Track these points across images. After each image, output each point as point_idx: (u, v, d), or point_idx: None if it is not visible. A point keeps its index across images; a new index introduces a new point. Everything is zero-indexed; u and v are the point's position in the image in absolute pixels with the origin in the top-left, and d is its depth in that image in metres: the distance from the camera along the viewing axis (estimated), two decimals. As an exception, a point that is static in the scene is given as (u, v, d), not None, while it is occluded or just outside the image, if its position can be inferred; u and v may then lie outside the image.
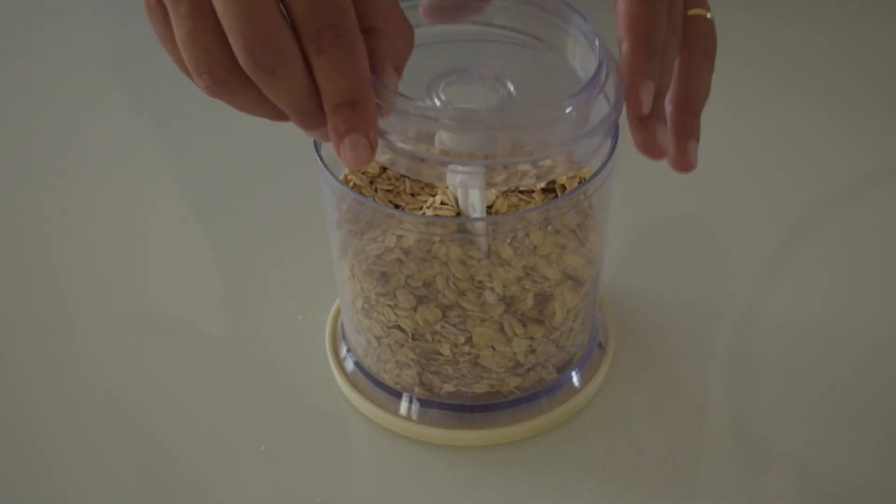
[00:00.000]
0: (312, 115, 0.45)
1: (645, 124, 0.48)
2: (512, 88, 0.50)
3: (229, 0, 0.43)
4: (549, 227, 0.50)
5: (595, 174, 0.49)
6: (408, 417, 0.54)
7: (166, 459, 0.54)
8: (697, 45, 0.49)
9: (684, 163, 0.49)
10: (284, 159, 0.69)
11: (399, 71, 0.47)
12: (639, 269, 0.62)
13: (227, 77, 0.44)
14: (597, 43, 0.49)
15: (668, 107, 0.49)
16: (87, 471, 0.53)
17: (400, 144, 0.46)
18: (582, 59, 0.51)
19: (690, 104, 0.50)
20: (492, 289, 0.50)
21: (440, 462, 0.53)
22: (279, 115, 0.46)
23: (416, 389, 0.54)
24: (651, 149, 0.48)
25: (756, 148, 0.70)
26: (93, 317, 0.61)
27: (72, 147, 0.72)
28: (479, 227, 0.49)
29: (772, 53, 0.77)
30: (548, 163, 0.48)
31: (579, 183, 0.53)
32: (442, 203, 0.50)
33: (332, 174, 0.50)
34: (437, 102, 0.49)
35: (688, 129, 0.49)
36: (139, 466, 0.54)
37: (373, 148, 0.44)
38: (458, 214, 0.51)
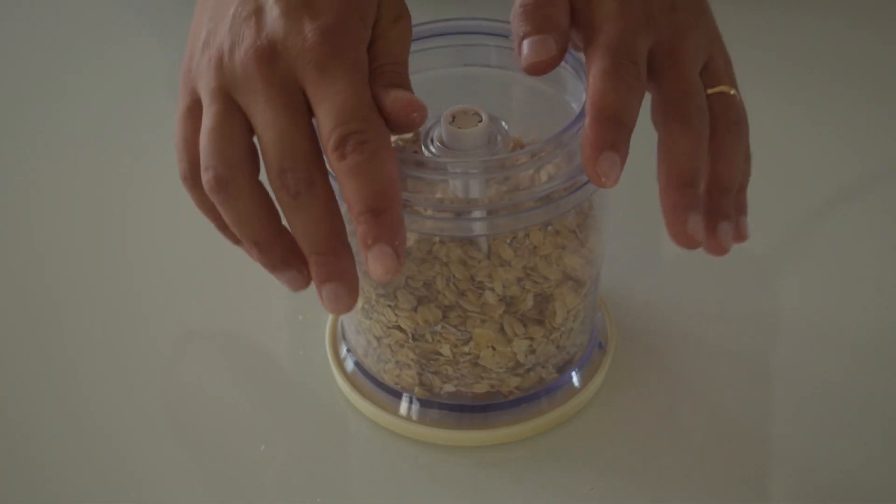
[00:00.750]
0: (325, 249, 0.45)
1: (676, 213, 0.46)
2: (506, 126, 0.51)
3: (270, 124, 0.44)
4: (549, 228, 0.50)
5: (595, 175, 0.49)
6: (408, 417, 0.54)
7: (166, 459, 0.54)
8: (718, 122, 0.48)
9: (715, 247, 0.48)
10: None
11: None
12: (639, 269, 0.62)
13: (229, 181, 0.45)
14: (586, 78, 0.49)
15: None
16: (85, 471, 0.53)
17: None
18: (573, 91, 0.51)
19: (718, 184, 0.48)
20: (492, 289, 0.50)
21: (440, 462, 0.53)
22: (258, 234, 0.46)
23: (416, 389, 0.54)
24: (682, 238, 0.46)
25: (756, 148, 0.70)
26: (91, 317, 0.61)
27: (69, 147, 0.71)
28: (479, 227, 0.49)
29: (771, 53, 0.77)
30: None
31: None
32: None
33: (332, 174, 0.50)
34: (432, 148, 0.50)
35: (718, 211, 0.47)
36: (138, 466, 0.54)
37: (399, 257, 0.44)
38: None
